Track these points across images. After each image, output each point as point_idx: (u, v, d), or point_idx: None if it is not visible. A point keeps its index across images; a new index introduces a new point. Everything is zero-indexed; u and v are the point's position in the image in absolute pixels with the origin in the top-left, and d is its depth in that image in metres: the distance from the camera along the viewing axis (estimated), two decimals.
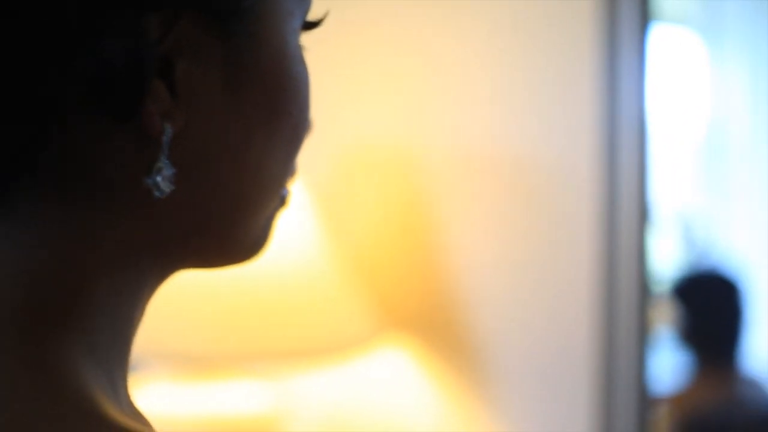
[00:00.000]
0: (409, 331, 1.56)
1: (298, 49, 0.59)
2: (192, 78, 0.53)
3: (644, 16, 1.47)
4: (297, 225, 1.41)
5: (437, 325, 1.56)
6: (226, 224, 0.58)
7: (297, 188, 1.33)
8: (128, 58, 0.50)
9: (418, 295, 1.56)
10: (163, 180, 0.53)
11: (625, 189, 1.46)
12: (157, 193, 0.53)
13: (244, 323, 1.37)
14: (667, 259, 2.62)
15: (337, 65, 1.54)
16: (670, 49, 2.96)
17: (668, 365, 2.41)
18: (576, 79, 1.47)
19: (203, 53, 0.54)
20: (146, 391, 1.42)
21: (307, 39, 0.60)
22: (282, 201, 0.62)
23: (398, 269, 1.58)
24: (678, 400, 2.28)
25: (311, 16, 0.61)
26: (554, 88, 1.49)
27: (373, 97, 1.58)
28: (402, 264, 1.58)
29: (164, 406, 1.41)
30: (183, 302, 1.34)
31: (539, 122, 1.50)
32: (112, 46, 0.50)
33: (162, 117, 0.52)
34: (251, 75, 0.56)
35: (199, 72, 0.53)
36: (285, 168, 0.61)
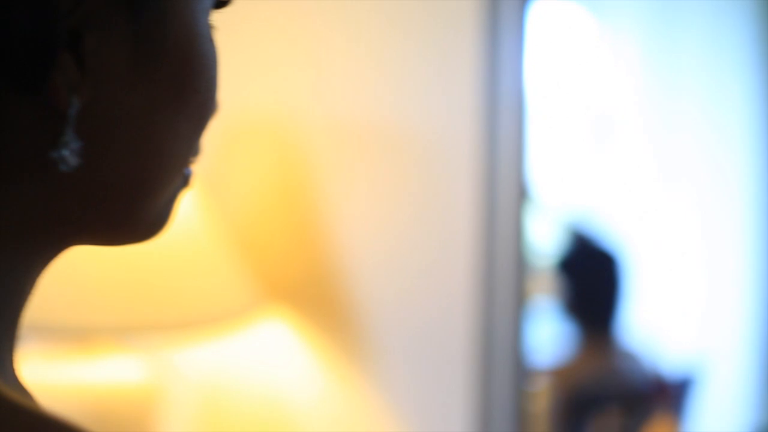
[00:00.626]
0: (289, 302, 1.56)
1: (208, 27, 0.59)
2: (100, 52, 0.52)
3: None
4: None
5: (317, 296, 1.56)
6: (127, 201, 0.57)
7: None
8: (37, 28, 0.49)
9: (299, 267, 1.57)
10: (70, 153, 0.52)
11: (504, 162, 1.48)
12: (63, 167, 0.52)
13: (124, 295, 1.35)
14: (546, 233, 2.66)
15: (217, 36, 1.52)
16: (556, 24, 3.00)
17: (548, 338, 2.46)
18: (457, 53, 1.48)
19: (112, 27, 0.53)
20: (26, 363, 1.40)
21: None
22: (185, 181, 0.62)
23: (278, 241, 1.58)
24: (558, 373, 2.33)
25: None
26: (435, 61, 1.50)
27: (254, 69, 1.58)
28: (282, 236, 1.58)
29: (44, 379, 1.39)
30: (62, 274, 1.32)
31: (420, 95, 1.51)
32: (21, 17, 0.49)
33: (69, 90, 0.51)
34: (160, 51, 0.55)
35: (108, 46, 0.53)
36: (189, 147, 0.60)
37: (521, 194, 1.49)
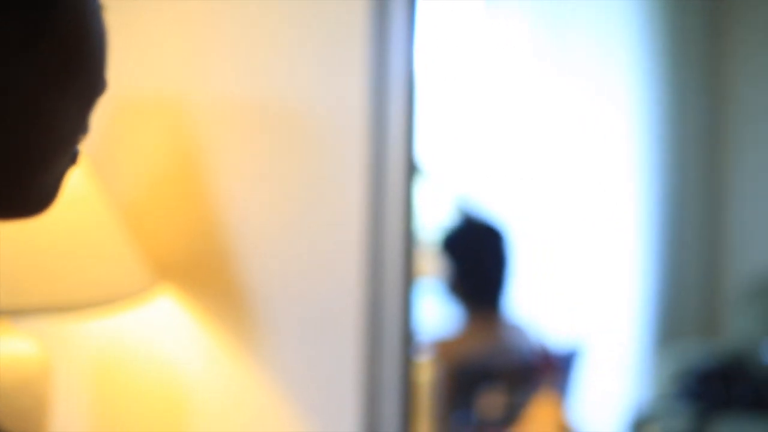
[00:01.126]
0: (178, 282, 1.56)
1: (98, 7, 0.59)
2: None
3: None
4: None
5: (206, 275, 1.56)
6: (15, 178, 0.57)
7: None
8: None
9: (188, 246, 1.56)
10: None
11: (393, 141, 1.49)
12: None
13: (10, 275, 1.34)
14: (434, 211, 2.69)
15: (106, 15, 1.51)
16: (446, 3, 3.02)
17: (436, 313, 2.49)
18: (346, 32, 1.49)
19: (2, 4, 0.52)
20: None
21: None
22: (73, 159, 0.62)
23: (168, 221, 1.57)
24: (446, 347, 2.37)
25: None
26: (324, 39, 1.50)
27: (143, 44, 1.56)
28: (172, 215, 1.57)
29: None
30: None
31: (310, 74, 1.52)
32: None
33: None
34: (49, 29, 0.55)
35: None
36: (77, 125, 0.60)
37: (410, 173, 1.51)
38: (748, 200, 4.20)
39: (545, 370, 2.07)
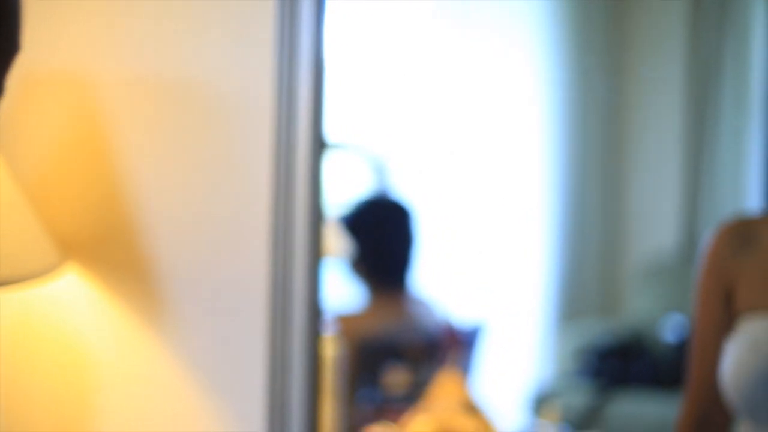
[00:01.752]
0: (85, 258, 1.55)
1: None
2: None
3: None
4: None
5: (114, 252, 1.55)
6: None
7: None
8: None
9: (94, 222, 1.55)
10: None
11: (301, 117, 1.50)
12: None
13: None
14: (342, 187, 2.70)
15: None
16: None
17: (343, 288, 2.50)
18: (254, 6, 1.49)
19: None
20: None
21: None
22: None
23: (75, 197, 1.56)
24: (350, 323, 2.38)
25: None
26: (232, 14, 1.50)
27: (48, 20, 1.54)
28: (78, 191, 1.55)
29: None
30: None
31: (218, 49, 1.51)
32: None
33: None
34: None
35: None
36: None
37: (318, 150, 1.51)
38: (647, 184, 4.29)
39: (449, 347, 2.09)
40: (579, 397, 3.48)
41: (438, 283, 3.03)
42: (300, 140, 1.50)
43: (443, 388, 1.86)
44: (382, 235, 2.61)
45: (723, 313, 1.53)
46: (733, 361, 1.47)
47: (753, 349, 1.45)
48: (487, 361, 3.01)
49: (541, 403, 3.55)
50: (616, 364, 3.64)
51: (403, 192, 2.86)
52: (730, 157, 4.12)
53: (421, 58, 3.59)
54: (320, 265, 1.53)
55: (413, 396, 2.04)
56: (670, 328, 3.78)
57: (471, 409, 1.82)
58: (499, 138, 3.91)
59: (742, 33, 4.06)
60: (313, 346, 1.52)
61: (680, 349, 3.69)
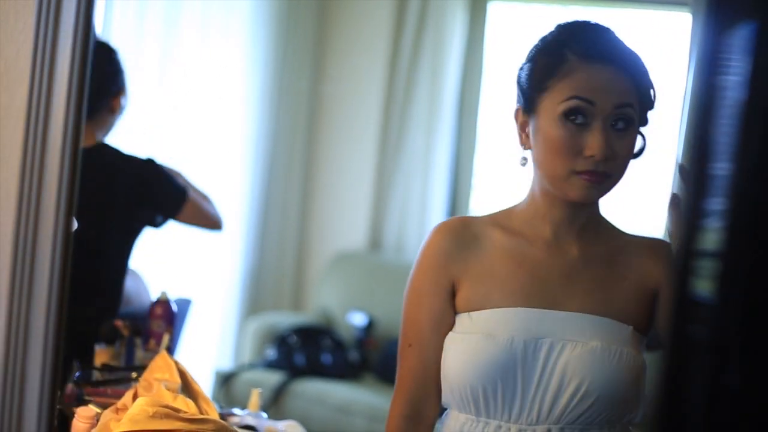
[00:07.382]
0: None
1: None
2: None
3: None
4: None
5: None
6: None
7: None
8: None
9: None
10: None
11: (56, 116, 1.45)
12: None
13: None
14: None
15: None
16: None
17: None
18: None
19: None
20: None
21: None
22: None
23: None
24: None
25: None
26: None
27: None
28: None
29: None
30: None
31: None
32: None
33: None
34: None
35: None
36: None
37: (74, 143, 1.50)
38: (339, 184, 4.43)
39: (160, 319, 2.06)
40: (267, 384, 3.57)
41: (149, 259, 3.05)
42: (53, 139, 1.45)
43: (160, 368, 1.81)
44: None
45: (445, 308, 1.55)
46: (464, 352, 1.50)
47: (488, 340, 1.49)
48: (186, 342, 3.05)
49: (230, 388, 3.60)
50: (301, 354, 3.75)
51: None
52: (419, 159, 4.27)
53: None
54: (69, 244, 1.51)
55: (124, 377, 1.97)
56: (354, 323, 3.93)
57: (190, 389, 1.79)
58: (213, 131, 3.94)
59: (439, 42, 4.22)
60: (57, 319, 1.50)
61: (362, 342, 3.88)
